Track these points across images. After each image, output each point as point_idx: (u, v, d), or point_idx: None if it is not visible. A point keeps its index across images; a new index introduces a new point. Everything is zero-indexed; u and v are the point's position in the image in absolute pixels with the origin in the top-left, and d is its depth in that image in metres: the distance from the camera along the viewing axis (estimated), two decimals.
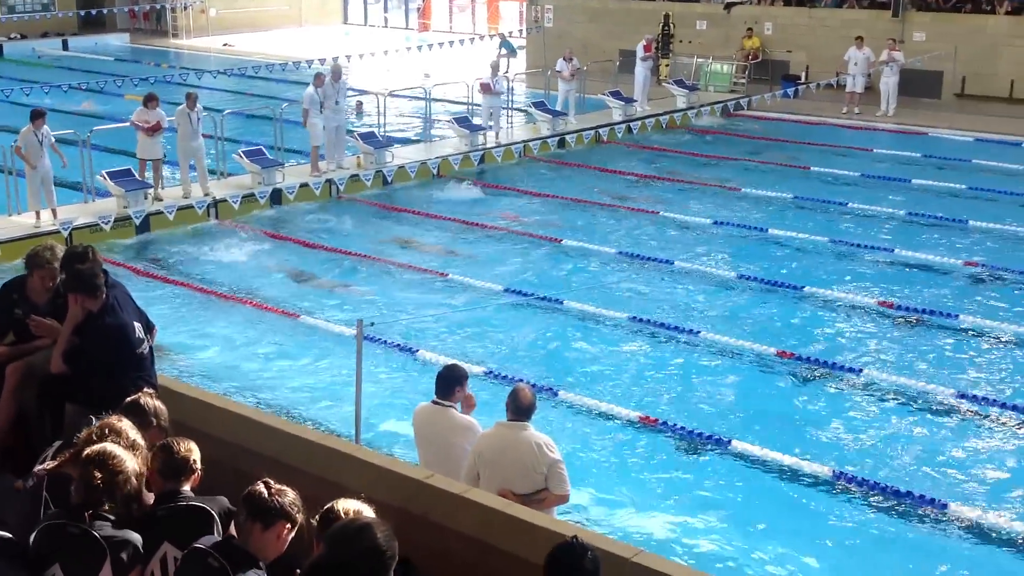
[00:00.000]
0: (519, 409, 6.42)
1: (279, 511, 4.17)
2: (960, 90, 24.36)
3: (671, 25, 28.12)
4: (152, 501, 4.55)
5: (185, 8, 40.37)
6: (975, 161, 20.12)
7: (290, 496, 4.22)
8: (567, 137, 21.73)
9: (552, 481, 6.35)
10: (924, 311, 12.75)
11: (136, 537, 4.32)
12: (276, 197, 17.48)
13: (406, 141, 22.08)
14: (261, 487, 4.21)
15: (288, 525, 4.20)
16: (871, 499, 8.74)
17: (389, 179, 18.86)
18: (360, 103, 24.68)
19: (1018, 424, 10.04)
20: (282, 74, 27.92)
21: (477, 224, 16.59)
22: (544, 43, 28.69)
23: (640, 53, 24.28)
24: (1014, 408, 10.23)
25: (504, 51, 31.96)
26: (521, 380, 9.91)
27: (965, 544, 8.21)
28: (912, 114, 23.77)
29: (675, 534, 8.32)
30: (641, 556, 4.73)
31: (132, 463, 4.37)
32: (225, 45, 37.55)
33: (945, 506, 8.52)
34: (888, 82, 23.78)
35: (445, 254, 15.23)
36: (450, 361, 8.52)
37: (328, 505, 4.16)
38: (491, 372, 10.96)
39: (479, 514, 5.11)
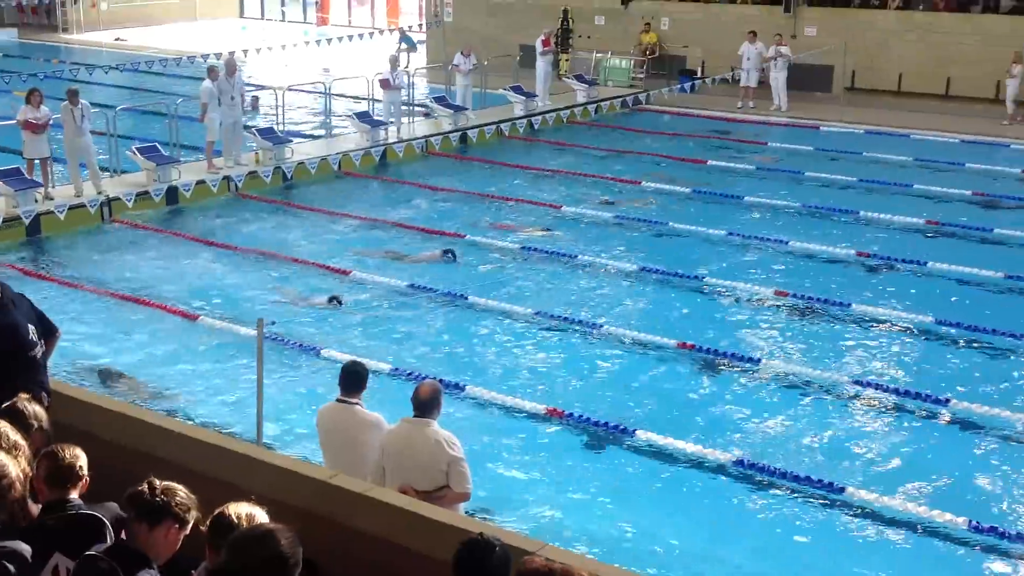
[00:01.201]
0: (422, 405, 6.40)
1: (163, 509, 4.08)
2: (850, 84, 24.97)
3: (570, 20, 28.28)
4: (39, 510, 4.39)
5: (75, 2, 39.31)
6: (865, 153, 20.65)
7: (179, 495, 4.12)
8: (469, 132, 21.70)
9: (452, 479, 6.32)
10: (819, 300, 13.05)
11: (25, 548, 4.16)
12: (172, 195, 17.09)
13: (306, 137, 21.83)
14: (144, 486, 4.12)
15: (176, 525, 4.11)
16: (772, 485, 8.92)
17: (289, 175, 18.61)
18: (256, 98, 24.29)
19: (912, 409, 10.33)
20: (176, 69, 27.33)
21: (379, 220, 16.47)
22: (444, 38, 28.61)
23: (540, 48, 24.37)
24: (906, 394, 10.52)
25: (404, 46, 31.80)
26: (427, 377, 9.89)
27: (862, 526, 8.42)
28: (804, 107, 24.27)
29: (582, 525, 8.37)
30: (547, 549, 4.72)
31: (15, 467, 4.21)
32: (117, 40, 36.65)
33: (842, 490, 8.73)
34: (777, 77, 24.18)
35: (347, 251, 15.07)
36: (354, 358, 8.43)
37: (219, 510, 4.07)
38: (397, 369, 10.89)
39: (385, 514, 5.05)
